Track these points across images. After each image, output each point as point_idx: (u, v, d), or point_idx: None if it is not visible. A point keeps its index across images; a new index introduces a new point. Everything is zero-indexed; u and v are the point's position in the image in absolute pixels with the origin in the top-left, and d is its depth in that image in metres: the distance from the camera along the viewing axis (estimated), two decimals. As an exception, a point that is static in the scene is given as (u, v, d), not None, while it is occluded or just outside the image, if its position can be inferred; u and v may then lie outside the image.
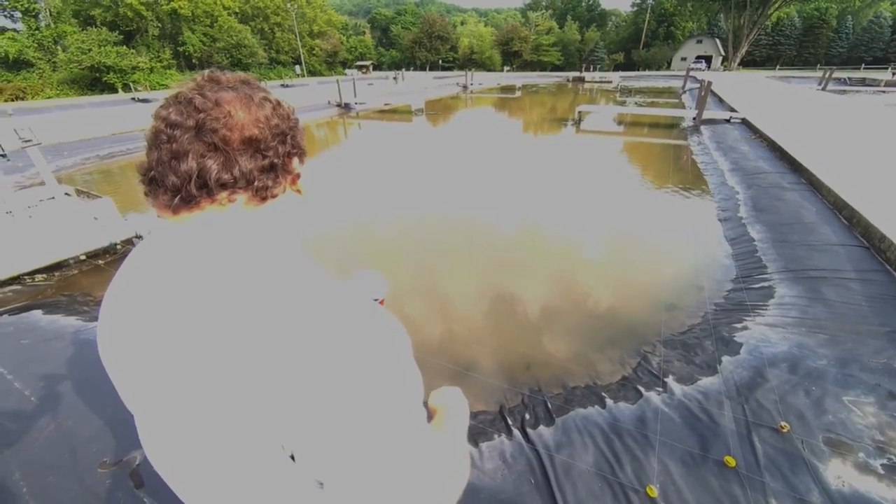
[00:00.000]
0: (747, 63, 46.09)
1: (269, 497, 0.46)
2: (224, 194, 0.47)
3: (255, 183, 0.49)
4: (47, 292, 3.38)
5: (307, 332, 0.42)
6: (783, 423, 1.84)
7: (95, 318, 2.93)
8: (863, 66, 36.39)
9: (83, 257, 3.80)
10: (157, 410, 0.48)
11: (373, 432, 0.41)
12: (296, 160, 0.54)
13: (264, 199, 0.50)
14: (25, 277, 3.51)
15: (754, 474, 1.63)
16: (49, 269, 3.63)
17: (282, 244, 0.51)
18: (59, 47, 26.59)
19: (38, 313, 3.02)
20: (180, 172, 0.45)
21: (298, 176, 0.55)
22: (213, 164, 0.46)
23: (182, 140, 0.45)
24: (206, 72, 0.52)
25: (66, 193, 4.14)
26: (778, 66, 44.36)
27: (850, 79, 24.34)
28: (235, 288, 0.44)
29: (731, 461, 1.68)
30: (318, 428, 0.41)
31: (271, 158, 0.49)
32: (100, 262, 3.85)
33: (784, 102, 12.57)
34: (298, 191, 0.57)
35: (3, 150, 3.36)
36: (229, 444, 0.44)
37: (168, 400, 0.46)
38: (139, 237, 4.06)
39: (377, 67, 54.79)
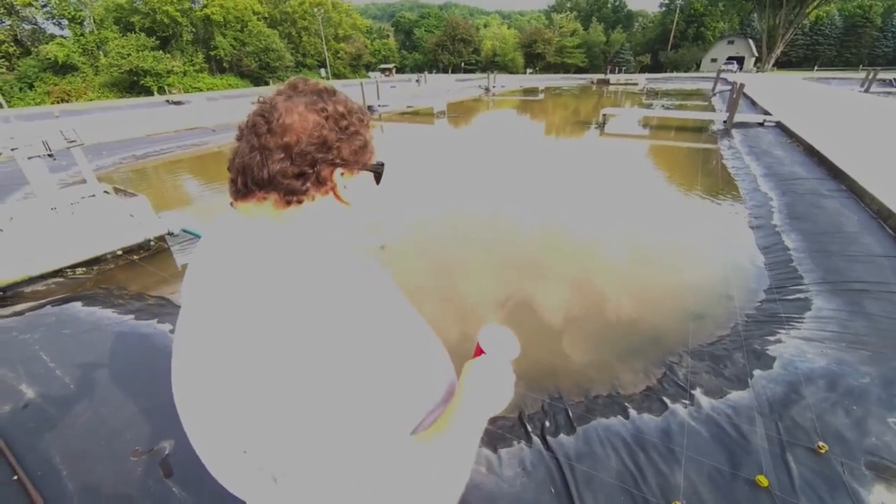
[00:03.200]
0: (782, 64, 44.20)
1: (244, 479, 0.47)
2: (262, 193, 0.51)
3: (284, 186, 0.50)
4: (86, 285, 3.56)
5: (261, 335, 0.42)
6: (821, 444, 1.74)
7: (130, 311, 3.07)
8: (910, 66, 34.33)
9: (120, 252, 3.98)
10: (176, 388, 0.52)
11: (312, 437, 0.41)
12: (338, 171, 0.54)
13: (289, 203, 0.51)
14: (67, 270, 3.71)
15: (789, 496, 1.55)
16: (88, 264, 3.83)
17: (297, 248, 0.51)
18: (101, 52, 28.06)
19: (77, 305, 3.18)
20: (234, 166, 0.52)
21: (334, 186, 0.55)
22: (253, 163, 0.49)
23: (244, 138, 0.51)
24: (294, 77, 0.56)
25: (105, 191, 4.35)
26: (816, 67, 42.36)
27: None
28: (231, 283, 0.46)
29: (763, 481, 1.60)
30: (261, 427, 0.41)
31: (301, 166, 0.50)
32: (135, 257, 4.03)
33: (823, 105, 11.98)
34: (345, 202, 0.56)
35: (50, 149, 3.55)
36: (216, 430, 0.46)
37: (179, 378, 0.50)
38: (171, 234, 4.23)
39: (400, 70, 55.39)
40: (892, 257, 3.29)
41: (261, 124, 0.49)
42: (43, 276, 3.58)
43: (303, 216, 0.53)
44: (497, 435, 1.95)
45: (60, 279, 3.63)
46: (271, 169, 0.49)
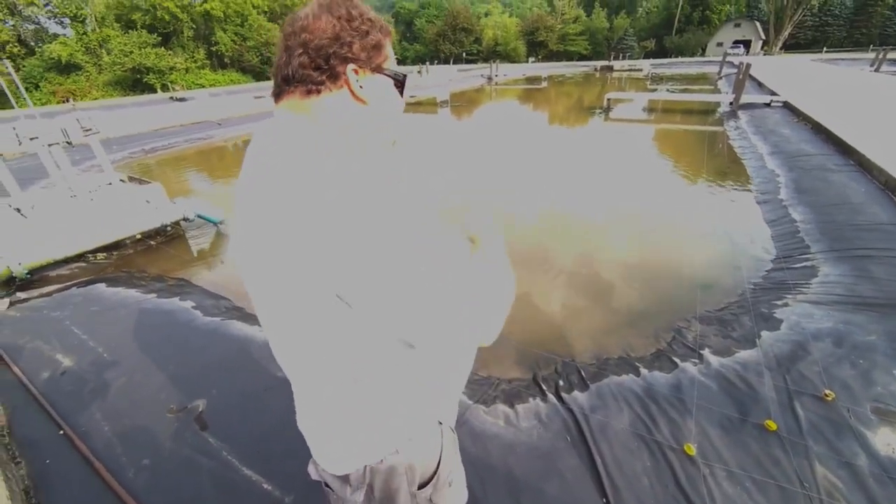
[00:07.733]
0: (790, 46, 43.31)
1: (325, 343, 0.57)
2: (290, 88, 0.59)
3: (304, 77, 0.58)
4: (108, 269, 3.67)
5: (324, 215, 0.49)
6: (827, 392, 1.80)
7: (152, 291, 3.17)
8: (922, 45, 33.44)
9: (138, 237, 4.09)
10: (249, 277, 0.60)
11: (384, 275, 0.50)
12: (350, 67, 0.58)
13: (309, 92, 0.59)
14: (89, 255, 3.83)
15: (796, 438, 1.62)
16: (108, 248, 3.94)
17: (323, 138, 0.58)
18: (103, 51, 28.15)
19: (102, 286, 3.30)
20: (272, 72, 0.61)
21: (347, 81, 0.59)
22: (282, 62, 0.59)
23: (280, 49, 0.60)
24: None
25: (121, 179, 4.45)
26: (825, 49, 41.47)
27: (907, 59, 22.47)
28: (282, 170, 0.53)
29: (772, 425, 1.67)
30: (350, 275, 0.50)
31: (316, 59, 0.57)
32: (152, 242, 4.14)
33: (830, 84, 11.81)
34: (361, 99, 0.61)
35: (69, 137, 3.64)
36: (291, 302, 0.55)
37: (252, 265, 0.58)
38: (187, 219, 4.33)
39: (401, 62, 54.71)
40: (900, 225, 3.31)
41: (288, 30, 0.58)
42: (66, 261, 3.70)
43: (326, 112, 0.60)
44: (513, 392, 2.03)
45: (83, 264, 3.75)
46: (293, 64, 0.57)
